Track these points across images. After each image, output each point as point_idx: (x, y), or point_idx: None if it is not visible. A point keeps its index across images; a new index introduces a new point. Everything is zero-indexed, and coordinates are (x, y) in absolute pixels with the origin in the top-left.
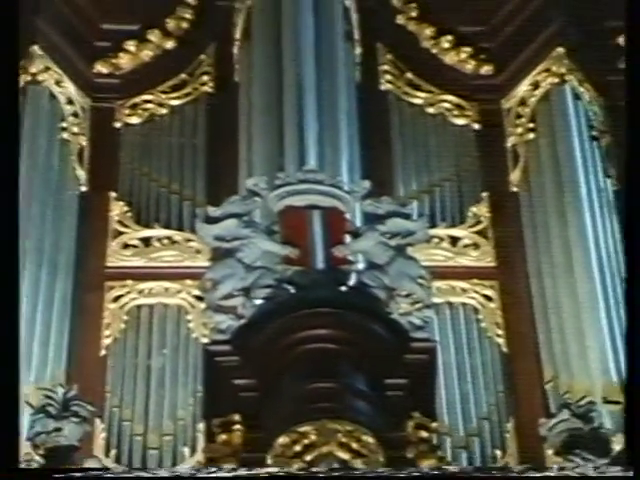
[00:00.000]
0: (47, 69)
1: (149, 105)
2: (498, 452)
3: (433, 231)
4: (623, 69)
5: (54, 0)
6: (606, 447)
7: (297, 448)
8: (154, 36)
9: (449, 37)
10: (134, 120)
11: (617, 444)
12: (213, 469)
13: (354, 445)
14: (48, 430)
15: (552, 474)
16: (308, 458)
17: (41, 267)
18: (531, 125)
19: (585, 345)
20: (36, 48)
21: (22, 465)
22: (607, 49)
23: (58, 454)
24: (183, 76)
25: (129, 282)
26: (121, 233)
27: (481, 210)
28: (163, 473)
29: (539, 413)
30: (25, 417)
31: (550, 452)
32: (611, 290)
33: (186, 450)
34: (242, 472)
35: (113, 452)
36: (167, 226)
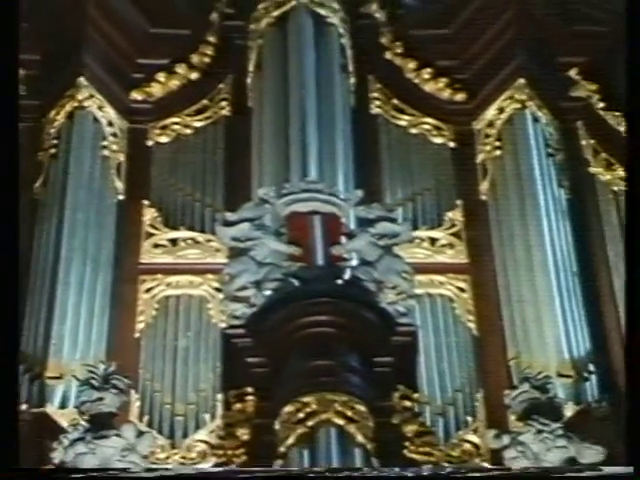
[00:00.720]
0: (91, 96)
1: (176, 126)
2: (469, 418)
3: (415, 233)
4: (574, 97)
5: (97, 39)
6: (559, 413)
7: (300, 415)
8: (181, 69)
9: (429, 69)
10: (164, 139)
11: (568, 411)
12: (220, 469)
13: (348, 413)
14: (92, 399)
15: (553, 474)
16: (310, 424)
17: (85, 263)
18: (497, 144)
19: (542, 329)
20: (82, 79)
21: (69, 430)
22: (560, 80)
23: (100, 420)
24: (205, 102)
25: (159, 276)
26: (152, 235)
27: (456, 215)
28: (163, 473)
29: (504, 385)
30: (72, 389)
31: (513, 418)
32: (564, 283)
33: (207, 416)
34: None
35: (146, 418)
36: (191, 228)
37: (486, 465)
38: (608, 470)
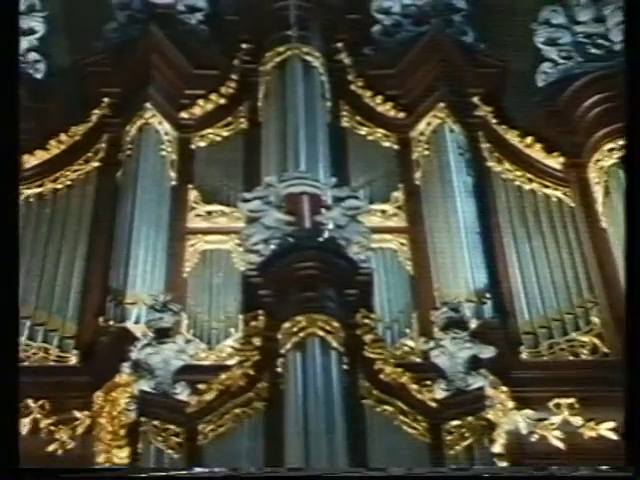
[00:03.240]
0: (154, 116)
1: (211, 135)
2: (407, 330)
3: (371, 206)
4: (477, 115)
5: (158, 77)
6: (466, 326)
7: (295, 329)
8: (213, 97)
9: (380, 97)
10: (202, 144)
11: (472, 324)
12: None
13: (327, 327)
14: (155, 318)
15: (555, 474)
16: (301, 335)
17: (150, 228)
18: (426, 146)
19: (456, 271)
20: (148, 104)
21: (141, 338)
22: (467, 104)
23: (161, 332)
24: (230, 119)
25: (199, 236)
26: (194, 208)
27: (398, 195)
28: (161, 473)
29: (430, 308)
30: (143, 311)
31: (436, 329)
32: (470, 240)
33: (232, 330)
34: (243, 473)
35: (191, 331)
36: (220, 204)
37: (486, 466)
38: (608, 470)
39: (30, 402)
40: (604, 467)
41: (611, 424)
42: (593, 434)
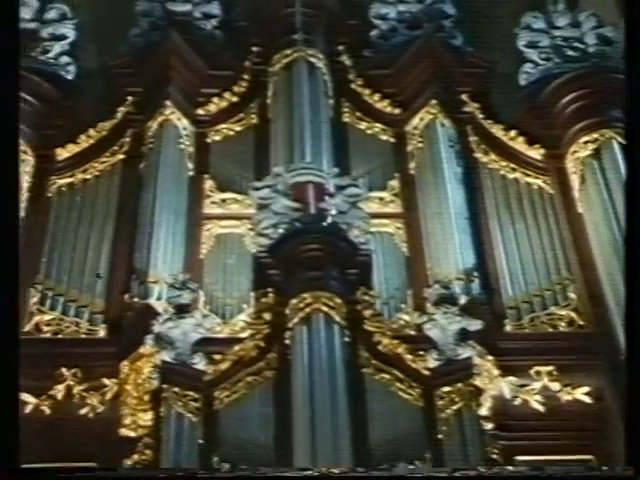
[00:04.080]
0: (173, 112)
1: (224, 130)
2: (403, 305)
3: (370, 194)
4: (466, 111)
5: (177, 77)
6: (456, 302)
7: (301, 305)
8: (227, 95)
9: (378, 94)
10: (217, 138)
11: (462, 300)
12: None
13: (330, 303)
14: (175, 295)
15: (557, 474)
16: (307, 310)
17: (170, 213)
18: (420, 139)
19: (447, 251)
20: (168, 102)
21: (162, 313)
22: (457, 101)
23: (180, 308)
24: (242, 115)
25: (214, 221)
26: (210, 195)
27: (395, 183)
28: (160, 473)
29: (424, 285)
30: (164, 289)
31: (429, 305)
32: (460, 224)
33: (245, 306)
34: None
35: (207, 307)
36: (233, 192)
37: (486, 467)
38: (608, 470)
39: (64, 370)
40: (604, 467)
41: (585, 389)
42: (569, 398)
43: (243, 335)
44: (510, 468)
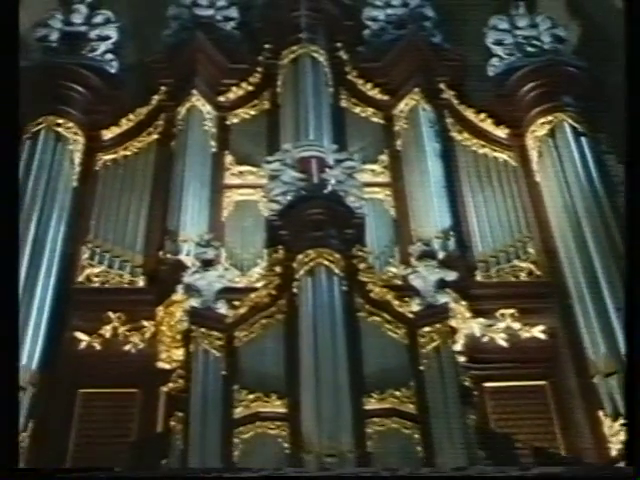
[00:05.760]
0: (198, 100)
1: (241, 114)
2: (391, 260)
3: (364, 166)
4: (444, 97)
5: (202, 70)
6: (435, 256)
7: (306, 260)
8: (244, 85)
9: (370, 83)
10: (235, 120)
11: (440, 255)
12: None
13: (331, 258)
14: (201, 252)
15: (557, 475)
16: (311, 264)
17: (196, 184)
18: (405, 121)
19: (428, 215)
20: (194, 91)
21: (191, 267)
22: (436, 89)
23: (205, 262)
24: (256, 102)
25: (233, 190)
26: (229, 168)
27: (384, 157)
28: (163, 473)
29: (409, 243)
30: (192, 246)
31: (413, 259)
32: (439, 192)
33: (259, 260)
34: (246, 473)
35: (228, 262)
36: (249, 164)
37: (486, 468)
38: (608, 470)
39: (110, 314)
40: (604, 467)
41: (541, 327)
42: (528, 335)
43: (258, 285)
44: (512, 468)
